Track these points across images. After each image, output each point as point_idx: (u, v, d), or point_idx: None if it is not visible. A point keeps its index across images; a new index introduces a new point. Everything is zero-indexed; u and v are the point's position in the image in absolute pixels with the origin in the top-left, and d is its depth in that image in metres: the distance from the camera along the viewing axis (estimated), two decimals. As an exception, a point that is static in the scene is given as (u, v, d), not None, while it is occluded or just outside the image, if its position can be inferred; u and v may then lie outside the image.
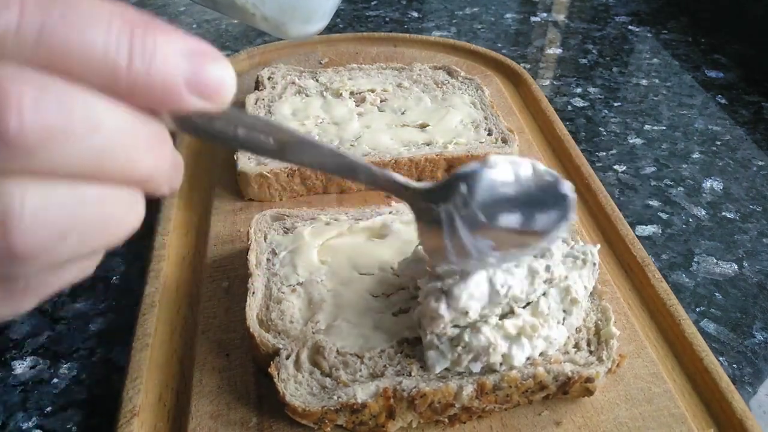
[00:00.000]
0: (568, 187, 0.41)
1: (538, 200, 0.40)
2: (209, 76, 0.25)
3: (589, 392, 0.50)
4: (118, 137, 0.23)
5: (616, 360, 0.51)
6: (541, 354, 0.50)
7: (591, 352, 0.51)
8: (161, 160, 0.26)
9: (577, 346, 0.52)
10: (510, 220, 0.40)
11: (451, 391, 0.47)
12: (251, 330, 0.51)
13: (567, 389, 0.49)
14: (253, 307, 0.54)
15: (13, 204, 0.21)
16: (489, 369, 0.49)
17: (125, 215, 0.25)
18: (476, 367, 0.48)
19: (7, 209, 0.21)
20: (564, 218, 0.40)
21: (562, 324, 0.51)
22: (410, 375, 0.49)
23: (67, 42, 0.21)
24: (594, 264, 0.53)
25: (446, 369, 0.49)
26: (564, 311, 0.51)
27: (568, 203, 0.40)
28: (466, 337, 0.47)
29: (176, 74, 0.24)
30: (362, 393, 0.47)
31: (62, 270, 0.25)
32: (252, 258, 0.58)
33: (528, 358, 0.49)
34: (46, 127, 0.21)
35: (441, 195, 0.40)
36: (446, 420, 0.49)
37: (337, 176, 0.34)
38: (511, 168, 0.40)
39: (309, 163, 0.34)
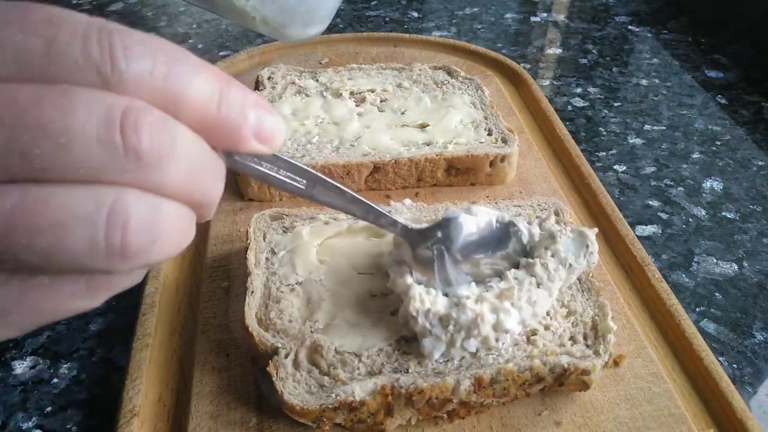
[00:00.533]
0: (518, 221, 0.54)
1: (498, 239, 0.53)
2: (268, 125, 0.31)
3: (585, 386, 0.50)
4: (205, 165, 0.30)
5: (612, 354, 0.52)
6: (534, 334, 0.52)
7: (588, 346, 0.52)
8: (220, 191, 0.32)
9: (573, 339, 0.52)
10: (478, 255, 0.52)
11: (449, 386, 0.47)
12: (250, 329, 0.51)
13: (563, 381, 0.49)
14: (252, 306, 0.54)
15: (131, 209, 0.26)
16: (485, 345, 0.49)
17: (188, 232, 0.30)
18: (472, 346, 0.49)
19: (128, 212, 0.26)
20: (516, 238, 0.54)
21: (542, 286, 0.52)
22: (407, 372, 0.49)
23: (181, 87, 0.28)
24: (587, 246, 0.54)
25: (445, 362, 0.50)
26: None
27: (517, 231, 0.54)
28: (454, 314, 0.48)
29: (247, 121, 0.30)
30: (360, 391, 0.47)
31: (133, 273, 0.30)
32: (251, 257, 0.58)
33: (521, 326, 0.51)
34: (162, 149, 0.27)
35: (432, 234, 0.50)
36: (444, 416, 0.49)
37: (352, 216, 0.46)
38: (482, 217, 0.52)
39: (331, 204, 0.41)
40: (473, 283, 0.51)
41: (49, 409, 0.54)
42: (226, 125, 0.30)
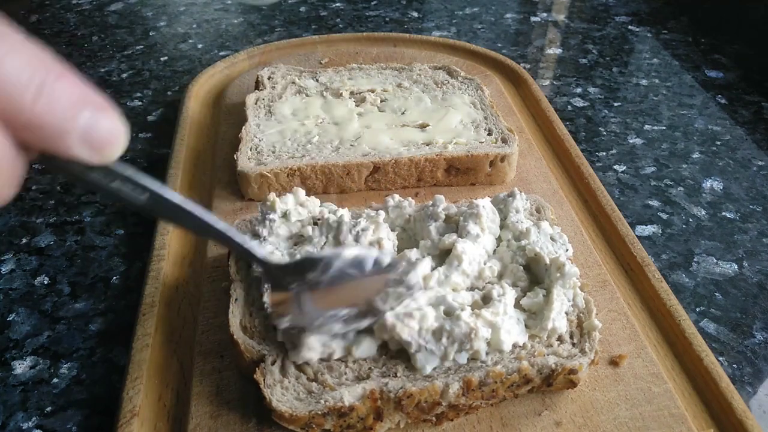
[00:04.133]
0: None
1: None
2: (104, 131, 0.26)
3: (573, 384, 0.50)
4: None
5: (598, 351, 0.52)
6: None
7: (574, 345, 0.52)
8: (9, 197, 0.27)
9: (560, 338, 0.52)
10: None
11: (438, 390, 0.47)
12: (235, 337, 0.51)
13: (551, 381, 0.49)
14: (236, 314, 0.53)
15: None
16: (475, 357, 0.49)
17: None
18: (463, 358, 0.49)
19: None
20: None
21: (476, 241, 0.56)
22: (396, 376, 0.49)
23: None
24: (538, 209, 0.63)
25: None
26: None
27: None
28: (447, 326, 0.48)
29: (75, 124, 0.25)
30: (349, 396, 0.46)
31: None
32: (232, 264, 0.57)
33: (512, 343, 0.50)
34: None
35: (294, 271, 0.46)
36: (433, 419, 0.49)
37: (200, 237, 0.40)
38: (355, 257, 0.46)
39: (180, 225, 0.37)
40: (337, 324, 0.48)
41: (49, 409, 0.54)
42: (43, 125, 0.24)
